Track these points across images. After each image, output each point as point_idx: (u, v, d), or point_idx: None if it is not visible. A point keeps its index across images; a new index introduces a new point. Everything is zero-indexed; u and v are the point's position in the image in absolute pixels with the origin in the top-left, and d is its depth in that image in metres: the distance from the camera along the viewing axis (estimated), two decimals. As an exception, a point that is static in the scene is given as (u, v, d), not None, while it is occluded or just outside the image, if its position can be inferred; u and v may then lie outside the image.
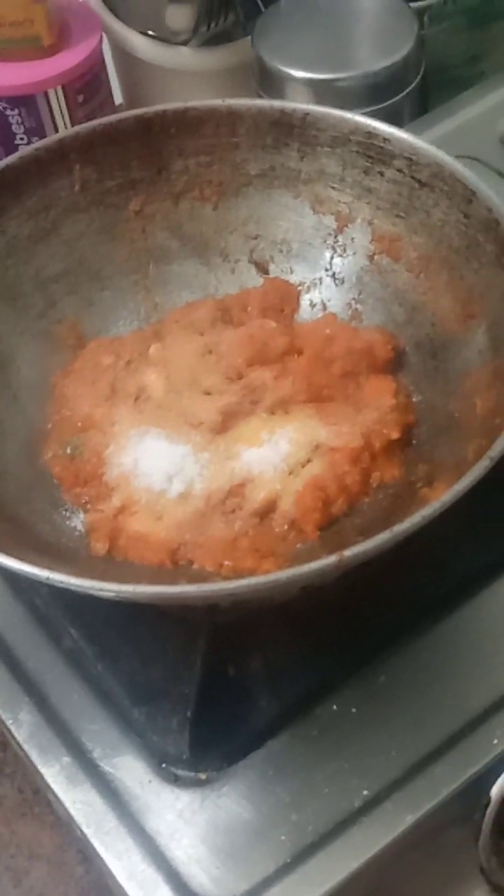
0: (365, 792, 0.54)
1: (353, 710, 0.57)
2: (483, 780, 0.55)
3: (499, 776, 0.55)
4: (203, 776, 0.56)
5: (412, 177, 0.65)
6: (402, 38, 0.86)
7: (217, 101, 0.68)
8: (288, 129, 0.67)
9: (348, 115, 0.66)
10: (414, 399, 0.63)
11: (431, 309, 0.64)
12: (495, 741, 0.55)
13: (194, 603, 0.54)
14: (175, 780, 0.56)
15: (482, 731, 0.55)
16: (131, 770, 0.56)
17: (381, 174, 0.66)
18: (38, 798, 0.69)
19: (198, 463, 0.60)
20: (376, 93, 0.85)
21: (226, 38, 0.95)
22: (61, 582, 0.49)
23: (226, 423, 0.62)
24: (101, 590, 0.49)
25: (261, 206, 0.70)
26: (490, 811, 0.55)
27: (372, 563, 0.59)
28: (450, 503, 0.50)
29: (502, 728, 0.56)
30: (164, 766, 0.56)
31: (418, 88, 0.89)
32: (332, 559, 0.48)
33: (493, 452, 0.51)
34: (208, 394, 0.63)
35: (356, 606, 0.59)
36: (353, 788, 0.54)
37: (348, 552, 0.49)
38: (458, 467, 0.54)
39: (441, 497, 0.50)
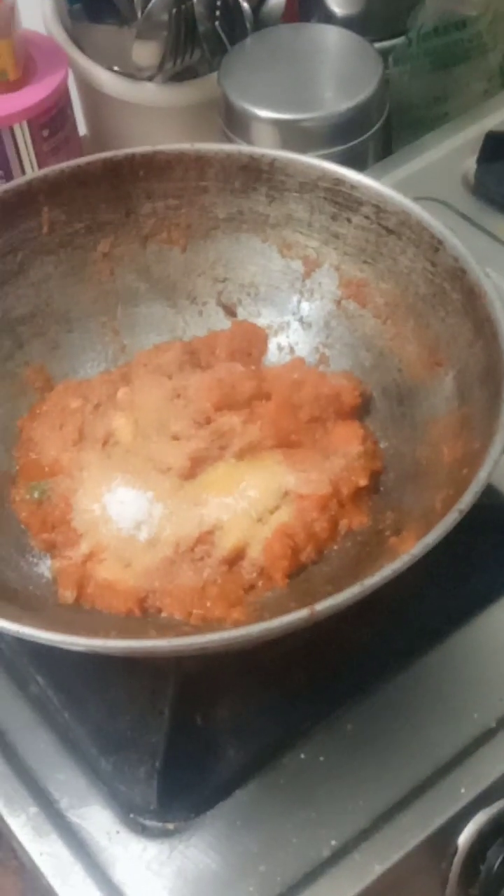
0: (333, 842, 0.54)
1: (321, 758, 0.57)
2: (450, 830, 0.55)
3: (465, 825, 0.55)
4: (171, 826, 0.56)
5: (379, 224, 0.65)
6: (367, 78, 0.87)
7: (186, 146, 0.68)
8: (256, 174, 0.68)
9: (316, 161, 0.67)
10: (381, 445, 0.64)
11: (398, 355, 0.65)
12: (462, 790, 0.55)
13: (164, 656, 0.54)
14: (143, 831, 0.56)
15: (449, 781, 0.56)
16: (98, 820, 0.56)
17: (349, 220, 0.66)
18: (1, 843, 0.68)
19: (166, 509, 0.60)
20: (341, 133, 0.86)
21: (192, 75, 0.95)
22: (31, 636, 0.49)
23: (194, 468, 0.62)
24: (71, 644, 0.49)
25: (229, 249, 0.70)
26: (457, 860, 0.56)
27: (340, 612, 0.59)
28: (420, 556, 0.50)
29: (468, 777, 0.56)
30: (131, 816, 0.56)
31: (383, 129, 0.90)
32: (303, 613, 0.49)
33: (463, 505, 0.51)
34: (176, 439, 0.63)
35: (323, 654, 0.59)
36: (321, 838, 0.54)
37: (319, 606, 0.49)
38: (426, 517, 0.55)
39: (410, 550, 0.50)
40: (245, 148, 0.69)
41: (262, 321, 0.70)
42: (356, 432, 0.63)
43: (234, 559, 0.59)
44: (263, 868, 0.54)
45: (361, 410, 0.65)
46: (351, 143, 0.87)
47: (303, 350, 0.69)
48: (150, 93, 0.95)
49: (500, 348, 0.57)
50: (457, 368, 0.61)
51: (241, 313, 0.70)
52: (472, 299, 0.60)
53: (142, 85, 0.95)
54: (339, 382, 0.65)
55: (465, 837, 0.55)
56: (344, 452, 0.62)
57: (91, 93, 0.99)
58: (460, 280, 0.61)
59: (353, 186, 0.66)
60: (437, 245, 0.62)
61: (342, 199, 0.66)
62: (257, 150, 0.68)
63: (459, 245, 0.61)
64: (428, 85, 0.93)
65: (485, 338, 0.58)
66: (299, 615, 0.49)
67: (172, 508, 0.60)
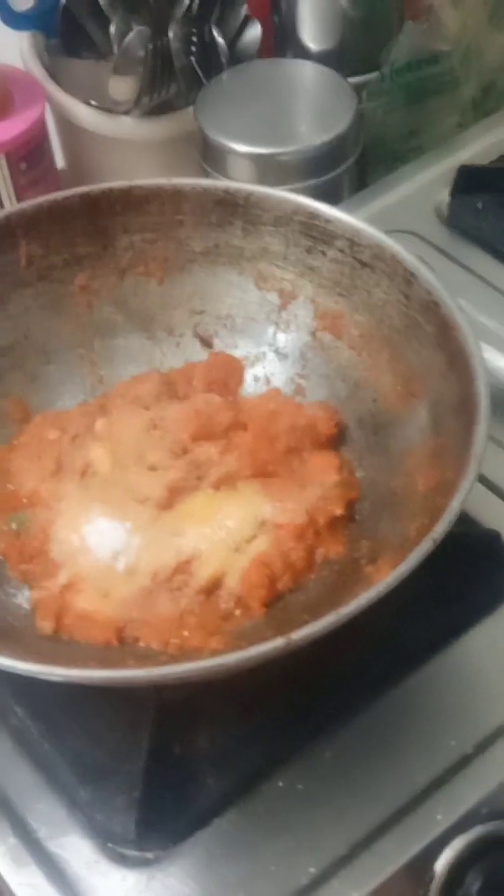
0: (312, 869, 0.55)
1: (300, 786, 0.57)
2: (427, 856, 0.56)
3: (442, 852, 0.56)
4: (150, 855, 0.56)
5: (354, 257, 0.66)
6: (342, 113, 0.88)
7: (162, 180, 0.69)
8: (232, 207, 0.69)
9: (291, 196, 0.68)
10: (357, 475, 0.65)
11: (373, 386, 0.66)
12: (439, 817, 0.56)
13: (143, 685, 0.54)
14: (121, 860, 0.56)
15: (426, 807, 0.56)
16: (77, 850, 0.56)
17: (324, 253, 0.67)
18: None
19: (144, 539, 0.61)
20: (316, 167, 0.87)
21: (168, 108, 0.96)
22: (8, 667, 0.49)
23: (172, 499, 0.62)
24: (49, 674, 0.49)
25: (205, 282, 0.71)
26: (434, 886, 0.56)
27: (317, 640, 0.60)
28: (394, 584, 0.51)
29: (445, 804, 0.56)
30: (110, 845, 0.56)
31: (357, 162, 0.91)
32: (280, 642, 0.49)
33: (436, 534, 0.52)
34: (154, 469, 0.64)
35: (301, 682, 0.60)
36: (300, 866, 0.55)
37: (296, 635, 0.49)
38: (402, 545, 0.55)
39: (385, 579, 0.51)
40: (221, 182, 0.70)
41: (238, 352, 0.71)
42: (332, 462, 0.64)
43: (212, 589, 0.60)
44: (242, 896, 0.54)
45: (337, 440, 0.66)
46: (326, 177, 0.88)
47: (279, 381, 0.70)
48: (126, 127, 0.96)
49: (472, 380, 0.57)
50: (431, 399, 0.62)
51: (218, 345, 0.71)
52: (445, 331, 0.61)
53: (119, 119, 0.96)
54: (314, 413, 0.66)
55: (442, 863, 0.56)
56: (320, 482, 0.63)
57: (69, 127, 1.00)
58: (434, 312, 0.62)
59: (328, 220, 0.67)
60: (410, 278, 0.63)
61: (317, 233, 0.67)
62: (233, 184, 0.70)
63: (432, 278, 0.62)
64: (402, 119, 0.94)
65: (458, 369, 0.59)
66: (276, 644, 0.49)
67: (150, 538, 0.61)
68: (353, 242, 0.66)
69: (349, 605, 0.50)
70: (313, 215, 0.67)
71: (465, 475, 0.54)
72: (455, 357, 0.60)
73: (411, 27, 0.92)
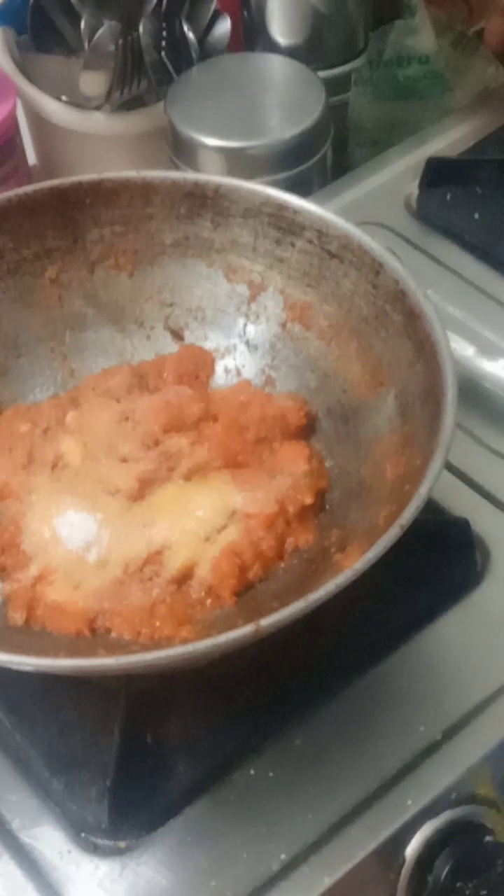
0: (282, 856, 0.55)
1: (271, 774, 0.58)
2: (398, 841, 0.56)
3: (413, 837, 0.56)
4: (122, 845, 0.56)
5: (322, 248, 0.66)
6: (311, 106, 0.89)
7: (132, 173, 0.69)
8: (201, 200, 0.69)
9: (259, 187, 0.68)
10: (327, 464, 0.65)
11: (343, 376, 0.66)
12: (409, 802, 0.56)
13: (112, 674, 0.54)
14: (94, 850, 0.56)
15: (396, 793, 0.57)
16: (50, 840, 0.56)
17: (293, 245, 0.68)
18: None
19: (115, 530, 0.61)
20: (286, 160, 0.88)
21: (139, 104, 0.97)
22: (-22, 657, 0.49)
23: (143, 490, 0.63)
24: (19, 664, 0.49)
25: (176, 274, 0.71)
26: (405, 871, 0.56)
27: (287, 628, 0.60)
28: (362, 571, 0.51)
29: (415, 789, 0.57)
30: (83, 835, 0.56)
31: (328, 155, 0.91)
32: (248, 629, 0.49)
33: (404, 520, 0.52)
34: (125, 461, 0.64)
35: (272, 671, 0.60)
36: (271, 852, 0.55)
37: (264, 622, 0.50)
38: (370, 533, 0.56)
39: (353, 565, 0.51)
40: (190, 175, 0.70)
41: (209, 344, 0.71)
42: (302, 452, 0.64)
43: (183, 578, 0.60)
44: (214, 883, 0.54)
45: (307, 430, 0.66)
46: (296, 170, 0.88)
47: (249, 372, 0.70)
48: (98, 122, 0.96)
49: (439, 368, 0.58)
50: (399, 388, 0.62)
51: (189, 337, 0.71)
52: (412, 320, 0.61)
53: (90, 114, 0.96)
54: (284, 403, 0.66)
55: (412, 848, 0.56)
56: (290, 472, 0.63)
57: (40, 122, 1.00)
58: (401, 301, 0.62)
59: (296, 211, 0.67)
60: (377, 268, 0.64)
61: (285, 224, 0.67)
62: (202, 176, 0.70)
63: (400, 267, 0.63)
64: (385, 111, 0.94)
65: (425, 357, 0.60)
66: (244, 631, 0.49)
67: (121, 530, 0.61)
68: (322, 233, 0.66)
69: (317, 591, 0.50)
70: (282, 207, 0.67)
71: (433, 462, 0.54)
72: (422, 345, 0.60)
73: (402, 25, 0.93)
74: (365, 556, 0.51)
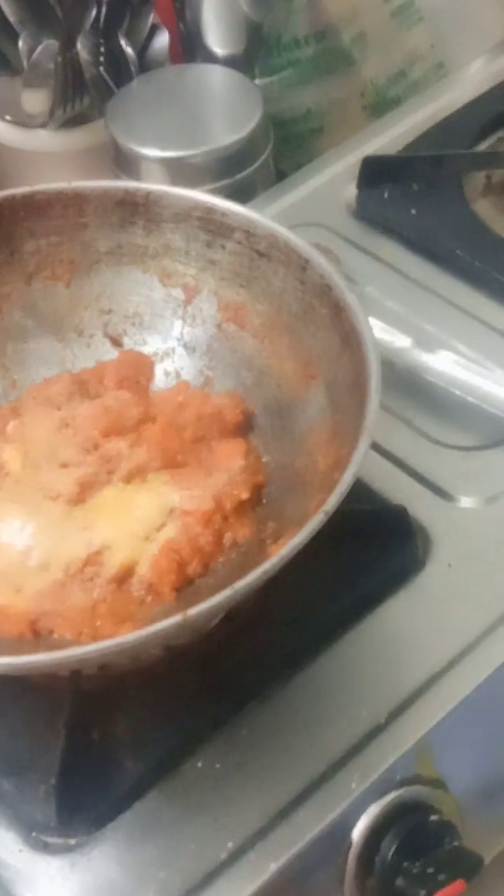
0: (230, 844, 0.56)
1: (217, 765, 0.58)
2: (344, 824, 0.57)
3: (358, 819, 0.57)
4: (72, 842, 0.57)
5: (251, 248, 0.68)
6: (249, 114, 0.90)
7: (63, 184, 0.70)
8: (132, 207, 0.70)
9: (187, 192, 0.69)
10: (264, 459, 0.66)
11: (277, 372, 0.67)
12: (353, 785, 0.57)
13: (47, 671, 0.55)
14: (45, 848, 0.57)
15: (340, 776, 0.57)
16: (2, 841, 0.57)
17: (223, 247, 0.69)
18: None
19: (56, 534, 0.62)
20: (227, 167, 0.89)
21: (83, 120, 0.98)
22: None
23: (83, 493, 0.63)
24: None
25: (112, 281, 0.72)
26: (352, 854, 0.57)
27: (233, 620, 0.61)
28: (288, 557, 0.52)
29: (360, 772, 0.57)
30: (33, 834, 0.57)
31: (269, 161, 0.93)
32: (175, 619, 0.50)
33: (328, 507, 0.53)
34: (65, 466, 0.65)
35: (218, 664, 0.61)
36: (219, 841, 0.56)
37: (192, 611, 0.51)
38: (301, 522, 0.56)
39: (279, 552, 0.52)
40: (121, 183, 0.72)
41: (147, 349, 0.72)
42: (239, 448, 0.65)
43: (123, 577, 0.61)
44: (163, 874, 0.55)
45: (245, 427, 0.67)
46: (238, 176, 0.90)
47: (188, 374, 0.71)
48: (42, 140, 0.97)
49: (364, 358, 0.59)
50: (328, 380, 0.63)
51: (128, 343, 0.72)
52: (337, 313, 0.62)
53: (34, 133, 0.97)
54: (221, 402, 0.67)
55: (358, 831, 0.57)
56: (227, 468, 0.64)
57: (-12, 143, 1.01)
58: (327, 296, 0.63)
59: (224, 214, 0.68)
60: (304, 264, 0.65)
61: (214, 227, 0.69)
62: (132, 184, 0.71)
63: (324, 262, 0.64)
64: (296, 97, 0.95)
65: (351, 348, 0.61)
66: (172, 621, 0.50)
67: (61, 533, 0.62)
68: (250, 233, 0.67)
69: (242, 580, 0.51)
70: (210, 210, 0.68)
71: (357, 448, 0.55)
72: (348, 337, 0.61)
73: (291, 4, 0.93)
74: (290, 543, 0.52)
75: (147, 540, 0.62)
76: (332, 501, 0.53)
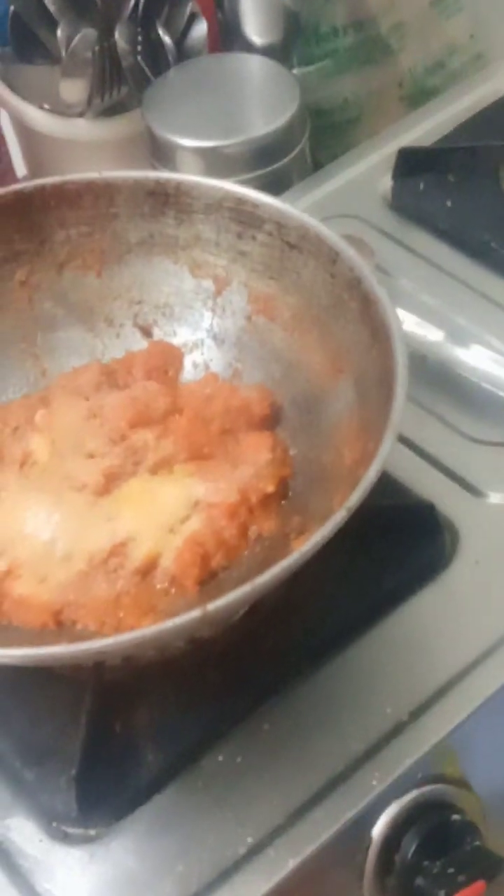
0: (249, 839, 0.56)
1: (238, 759, 0.58)
2: (363, 822, 0.57)
3: (379, 817, 0.57)
4: (92, 832, 0.57)
5: (282, 239, 0.67)
6: (286, 104, 0.90)
7: (94, 175, 0.70)
8: (163, 198, 0.70)
9: (218, 183, 0.69)
10: (291, 453, 0.65)
11: (305, 365, 0.67)
12: (374, 783, 0.57)
13: (67, 662, 0.55)
14: (65, 838, 0.57)
15: (361, 774, 0.57)
16: (22, 830, 0.57)
17: (254, 238, 0.68)
18: None
19: (81, 525, 0.62)
20: (263, 157, 0.88)
21: (121, 109, 0.98)
22: None
23: (108, 484, 0.63)
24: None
25: (142, 272, 0.72)
26: (372, 851, 0.57)
27: (258, 614, 0.61)
28: (309, 554, 0.52)
29: (381, 769, 0.57)
30: (54, 824, 0.57)
31: (306, 151, 0.92)
32: (195, 613, 0.50)
33: (350, 503, 0.53)
34: (92, 457, 0.65)
35: (241, 658, 0.61)
36: (238, 836, 0.56)
37: (212, 605, 0.50)
38: (326, 517, 0.56)
39: (300, 548, 0.51)
40: (151, 173, 0.71)
41: (177, 340, 0.72)
42: (265, 441, 0.65)
43: (147, 569, 0.61)
44: (181, 868, 0.55)
45: (272, 421, 0.67)
46: (274, 167, 0.89)
47: (217, 366, 0.71)
48: (80, 129, 0.97)
49: (392, 352, 0.58)
50: (357, 374, 0.62)
51: (157, 333, 0.72)
52: (367, 306, 0.61)
53: (72, 121, 0.97)
54: (249, 395, 0.67)
55: (378, 829, 0.57)
56: (253, 461, 0.64)
57: (26, 132, 1.02)
58: (357, 289, 0.63)
59: (255, 205, 0.68)
60: (334, 256, 0.64)
61: (245, 218, 0.68)
62: (163, 174, 0.71)
63: (354, 255, 0.63)
64: (335, 87, 0.94)
65: (380, 342, 0.60)
66: (192, 615, 0.50)
67: (86, 524, 0.62)
68: (280, 225, 0.67)
69: (263, 575, 0.51)
70: (241, 201, 0.68)
71: (383, 444, 0.55)
72: (377, 331, 0.60)
73: None
74: (311, 539, 0.52)
75: (171, 532, 0.62)
76: (355, 498, 0.53)
